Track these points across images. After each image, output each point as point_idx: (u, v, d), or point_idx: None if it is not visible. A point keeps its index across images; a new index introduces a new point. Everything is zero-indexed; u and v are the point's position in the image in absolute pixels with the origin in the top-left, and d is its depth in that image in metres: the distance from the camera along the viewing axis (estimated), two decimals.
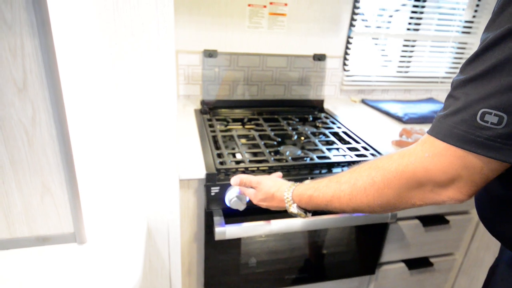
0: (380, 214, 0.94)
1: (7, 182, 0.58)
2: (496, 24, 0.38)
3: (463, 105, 0.40)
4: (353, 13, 1.36)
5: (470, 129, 0.39)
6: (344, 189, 0.55)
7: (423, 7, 1.47)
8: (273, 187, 0.71)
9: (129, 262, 0.63)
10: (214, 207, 0.84)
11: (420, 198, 0.47)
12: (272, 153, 0.97)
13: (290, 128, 1.15)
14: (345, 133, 1.13)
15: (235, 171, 0.86)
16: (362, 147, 1.03)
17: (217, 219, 0.84)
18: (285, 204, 0.68)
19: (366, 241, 1.04)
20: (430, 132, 0.44)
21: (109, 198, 0.73)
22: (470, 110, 0.39)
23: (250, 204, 0.84)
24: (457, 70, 1.62)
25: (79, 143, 0.67)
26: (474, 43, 1.57)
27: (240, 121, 1.21)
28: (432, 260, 1.17)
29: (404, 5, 1.45)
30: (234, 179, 0.77)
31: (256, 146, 1.01)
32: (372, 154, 0.98)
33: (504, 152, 0.38)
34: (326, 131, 1.13)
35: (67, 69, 0.61)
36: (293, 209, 0.67)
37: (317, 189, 0.61)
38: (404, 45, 1.53)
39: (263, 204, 0.73)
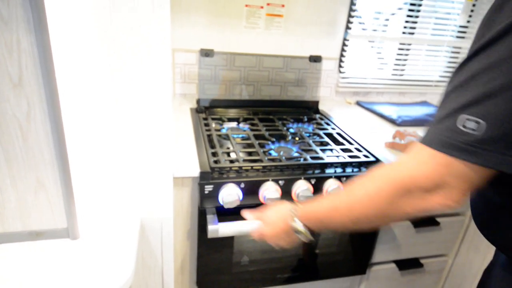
0: None
1: (1, 177, 0.58)
2: (477, 38, 0.42)
3: (447, 112, 0.42)
4: (350, 15, 1.38)
5: (453, 135, 0.41)
6: (343, 199, 0.56)
7: (418, 11, 1.48)
8: (276, 209, 0.70)
9: (121, 258, 0.63)
10: (207, 205, 0.85)
11: (410, 205, 0.47)
12: (267, 153, 0.98)
13: (285, 128, 1.16)
14: (339, 134, 1.14)
15: (229, 170, 0.87)
16: (356, 148, 1.04)
17: (210, 217, 0.85)
18: (288, 220, 0.65)
19: (357, 241, 1.06)
20: (420, 140, 0.46)
21: (102, 194, 0.74)
22: (452, 117, 0.41)
23: (243, 202, 0.85)
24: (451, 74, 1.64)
25: (74, 140, 0.67)
26: (468, 48, 1.58)
27: (236, 120, 1.21)
28: (422, 261, 1.18)
29: (400, 9, 1.47)
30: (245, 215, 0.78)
31: (251, 145, 1.02)
32: (365, 156, 0.99)
33: (483, 157, 0.39)
34: (321, 132, 1.14)
35: (62, 66, 0.61)
36: (297, 223, 0.64)
37: (319, 202, 0.61)
38: (400, 49, 1.54)
39: (270, 232, 0.70)
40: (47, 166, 0.59)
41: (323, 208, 0.59)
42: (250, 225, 0.86)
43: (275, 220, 0.69)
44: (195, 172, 0.83)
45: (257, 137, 1.07)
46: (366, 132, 1.18)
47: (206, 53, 1.24)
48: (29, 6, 0.49)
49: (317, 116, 1.31)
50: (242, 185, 0.85)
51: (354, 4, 1.36)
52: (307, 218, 0.63)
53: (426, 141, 0.44)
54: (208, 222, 0.83)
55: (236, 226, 0.84)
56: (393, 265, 1.15)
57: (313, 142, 1.07)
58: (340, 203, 0.56)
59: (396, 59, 1.55)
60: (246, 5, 1.26)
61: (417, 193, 0.46)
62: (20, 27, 0.50)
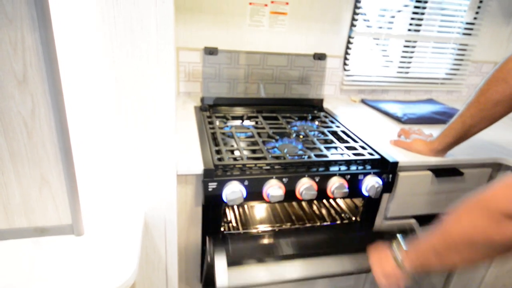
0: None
1: (6, 174, 0.59)
2: None
3: None
4: (354, 13, 1.37)
5: None
6: (447, 220, 0.55)
7: (424, 8, 1.47)
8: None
9: (125, 255, 0.64)
10: (211, 203, 0.85)
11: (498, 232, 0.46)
12: (270, 151, 0.98)
13: (289, 126, 1.16)
14: (343, 132, 1.13)
15: (233, 167, 0.87)
16: (360, 146, 1.03)
17: (220, 266, 0.82)
18: (392, 251, 0.66)
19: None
20: None
21: (107, 191, 0.74)
22: None
23: (247, 199, 0.85)
24: (458, 72, 1.63)
25: (78, 137, 0.68)
26: (475, 45, 1.57)
27: (240, 118, 1.21)
28: None
29: (406, 5, 1.46)
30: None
31: (255, 143, 1.02)
32: (370, 153, 0.98)
33: None
34: (325, 130, 1.14)
35: (66, 63, 0.62)
36: (395, 252, 0.65)
37: (418, 244, 0.61)
38: (405, 46, 1.53)
39: (380, 273, 0.69)
40: (51, 163, 0.60)
41: (422, 252, 0.59)
42: (260, 274, 0.84)
43: (383, 255, 0.69)
44: (199, 169, 0.83)
45: (261, 135, 1.07)
46: (371, 130, 1.17)
47: (210, 51, 1.24)
48: (33, 3, 0.49)
49: (322, 114, 1.30)
50: (246, 183, 0.84)
51: (359, 1, 1.35)
52: (413, 252, 0.62)
53: None
54: (216, 274, 0.81)
55: (246, 276, 0.82)
56: None
57: (317, 140, 1.06)
58: (438, 244, 0.55)
59: (402, 57, 1.54)
60: (250, 3, 1.26)
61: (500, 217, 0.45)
62: (24, 25, 0.50)
